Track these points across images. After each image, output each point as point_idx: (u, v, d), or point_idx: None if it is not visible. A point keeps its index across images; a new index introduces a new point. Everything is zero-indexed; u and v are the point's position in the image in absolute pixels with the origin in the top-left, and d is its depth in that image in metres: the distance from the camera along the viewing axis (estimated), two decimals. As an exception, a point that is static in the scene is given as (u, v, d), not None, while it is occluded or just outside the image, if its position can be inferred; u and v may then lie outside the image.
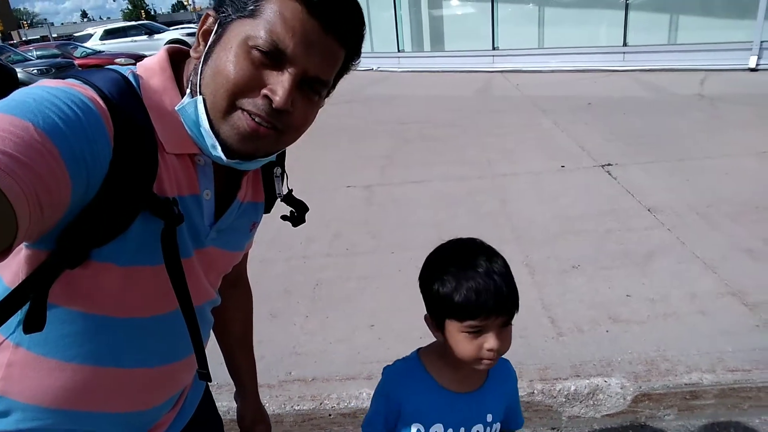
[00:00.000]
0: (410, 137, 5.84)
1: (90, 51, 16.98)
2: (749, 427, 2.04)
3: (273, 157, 0.82)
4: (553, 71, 9.14)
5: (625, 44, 8.83)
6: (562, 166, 4.42)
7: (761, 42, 7.50)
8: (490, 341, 0.95)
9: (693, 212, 3.39)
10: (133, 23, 23.63)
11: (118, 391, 0.81)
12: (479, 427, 1.06)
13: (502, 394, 1.11)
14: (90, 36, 20.85)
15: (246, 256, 1.07)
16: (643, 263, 2.86)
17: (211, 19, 0.73)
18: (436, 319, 1.01)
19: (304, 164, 5.08)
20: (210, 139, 0.71)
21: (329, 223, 3.74)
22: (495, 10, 10.04)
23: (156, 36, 19.43)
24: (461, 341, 0.96)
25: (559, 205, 3.70)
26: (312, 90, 0.72)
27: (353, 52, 0.76)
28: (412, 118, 6.74)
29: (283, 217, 0.94)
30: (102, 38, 20.27)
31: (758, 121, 5.25)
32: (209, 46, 0.71)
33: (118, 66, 0.75)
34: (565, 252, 3.02)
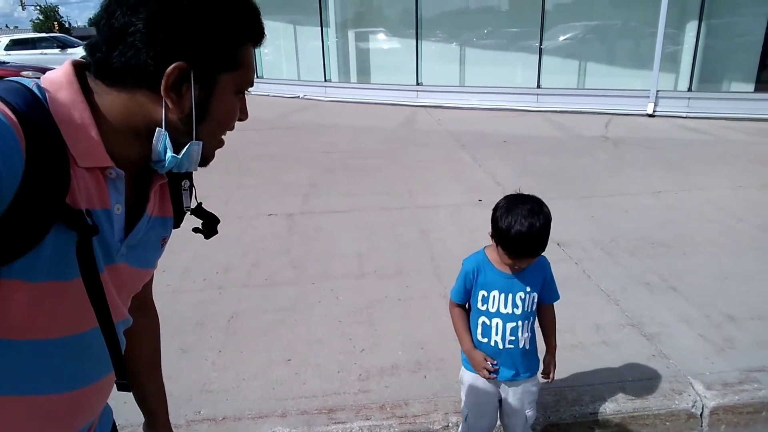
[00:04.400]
0: (334, 166, 5.86)
1: (-10, 61, 15.68)
2: (647, 452, 2.16)
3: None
4: (472, 108, 9.55)
5: (538, 86, 9.41)
6: (480, 200, 4.58)
7: (657, 91, 8.27)
8: (521, 264, 1.59)
9: (597, 247, 3.62)
10: (43, 35, 22.12)
11: (28, 422, 0.75)
12: (521, 293, 1.65)
13: (537, 274, 1.68)
14: (-7, 45, 19.32)
15: (152, 278, 1.04)
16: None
17: (181, 73, 0.71)
18: (495, 238, 1.60)
19: (223, 190, 4.95)
20: (194, 165, 0.83)
21: (248, 251, 3.64)
22: (419, 47, 10.41)
23: (69, 50, 18.10)
24: (506, 258, 1.58)
25: (475, 238, 3.82)
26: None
27: None
28: (337, 148, 6.78)
29: (195, 230, 0.95)
30: (7, 48, 18.80)
31: (654, 163, 5.74)
32: (200, 100, 0.76)
33: (21, 78, 0.72)
34: (481, 284, 3.10)
